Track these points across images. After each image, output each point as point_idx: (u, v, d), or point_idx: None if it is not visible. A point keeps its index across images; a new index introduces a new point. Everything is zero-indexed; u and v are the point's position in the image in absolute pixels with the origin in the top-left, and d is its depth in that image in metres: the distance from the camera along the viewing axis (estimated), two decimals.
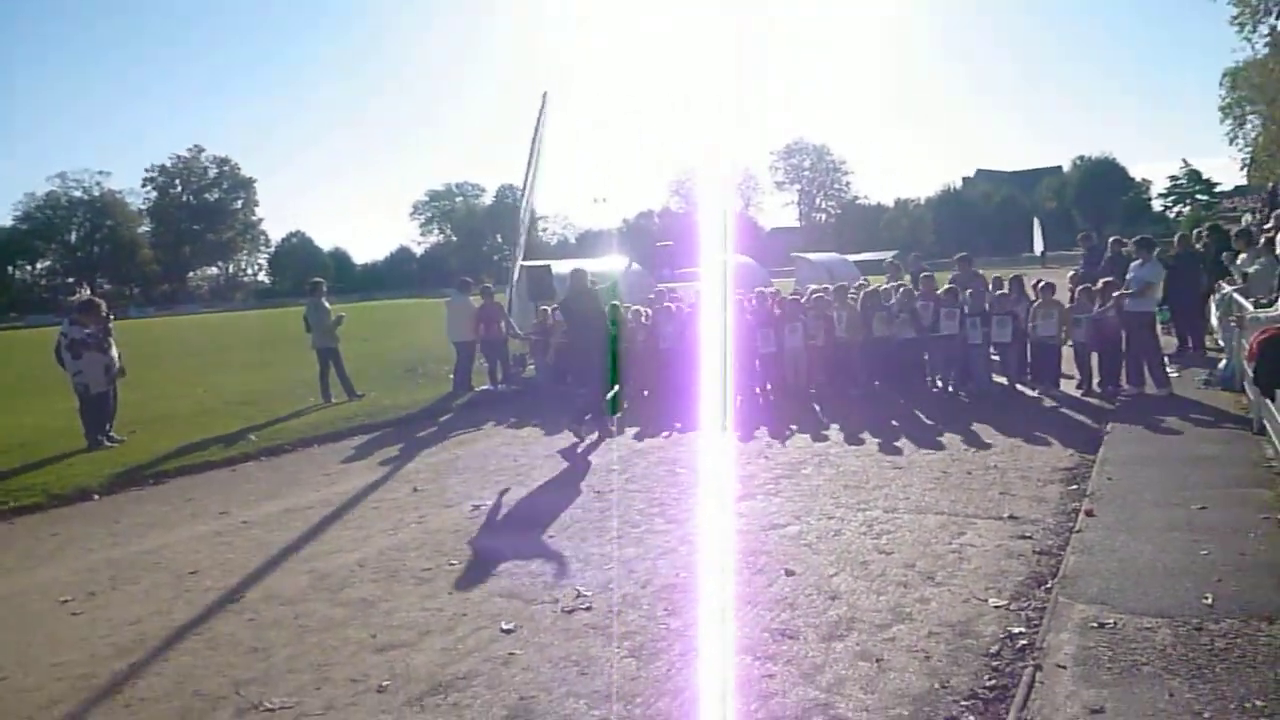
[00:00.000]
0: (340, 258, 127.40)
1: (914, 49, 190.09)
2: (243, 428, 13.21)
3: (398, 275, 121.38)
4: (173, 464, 11.12)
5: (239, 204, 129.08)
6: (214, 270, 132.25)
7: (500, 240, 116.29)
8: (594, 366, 11.75)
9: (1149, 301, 12.51)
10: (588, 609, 5.74)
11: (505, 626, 5.49)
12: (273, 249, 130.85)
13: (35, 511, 9.43)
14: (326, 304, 16.20)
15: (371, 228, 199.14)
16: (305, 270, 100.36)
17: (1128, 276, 12.72)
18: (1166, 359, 12.62)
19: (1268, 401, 7.44)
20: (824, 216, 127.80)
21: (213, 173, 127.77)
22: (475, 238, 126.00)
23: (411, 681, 4.82)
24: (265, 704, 4.67)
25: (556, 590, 6.12)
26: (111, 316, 13.10)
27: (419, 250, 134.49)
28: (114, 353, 12.75)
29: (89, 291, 14.35)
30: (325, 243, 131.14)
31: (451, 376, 16.69)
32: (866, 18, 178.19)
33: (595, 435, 11.42)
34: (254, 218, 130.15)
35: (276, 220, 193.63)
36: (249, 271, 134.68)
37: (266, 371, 21.78)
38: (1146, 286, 12.40)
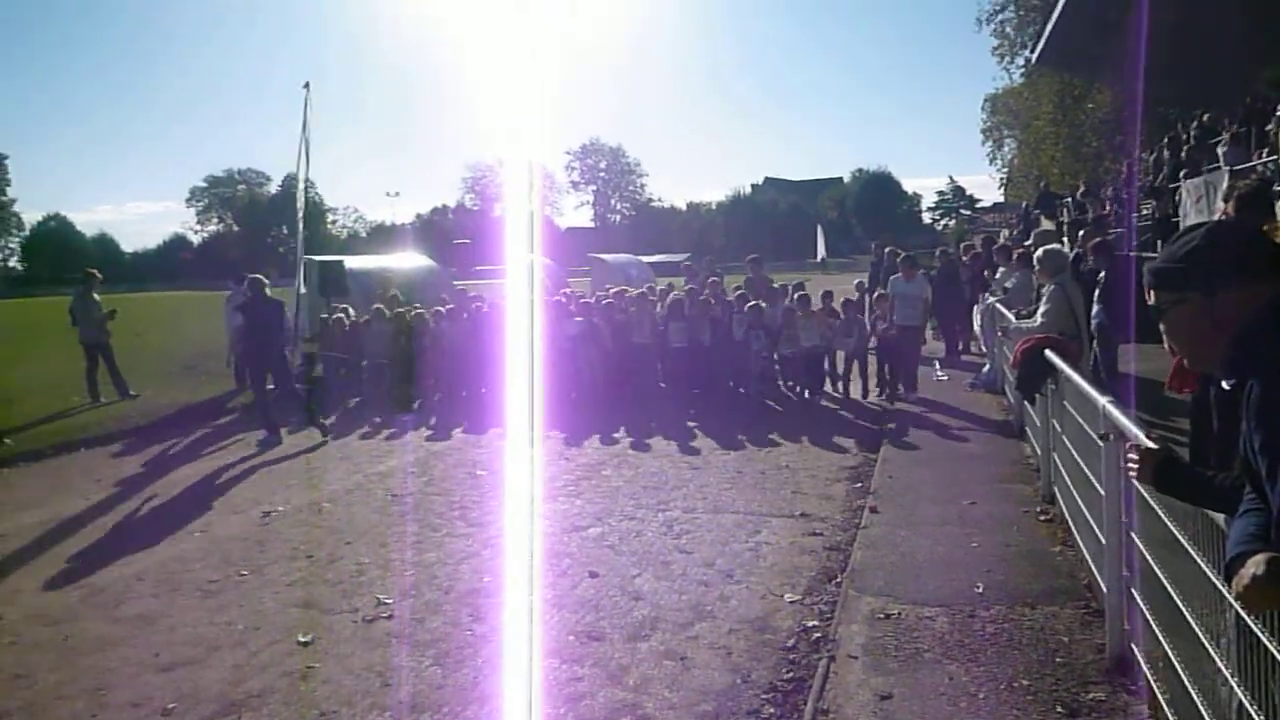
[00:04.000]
0: (106, 244, 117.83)
1: (708, 57, 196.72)
2: None
3: (173, 265, 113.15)
4: None
5: None
6: None
7: (286, 232, 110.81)
8: (263, 373, 12.09)
9: (915, 315, 13.40)
10: (389, 617, 5.59)
11: (302, 639, 5.27)
12: (27, 233, 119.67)
13: None
14: (96, 296, 15.09)
15: (142, 213, 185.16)
16: (64, 257, 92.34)
17: (891, 291, 13.57)
18: (937, 363, 13.57)
19: (1027, 405, 8.13)
20: (619, 217, 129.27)
21: None
22: (259, 228, 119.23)
23: (201, 702, 4.54)
24: None
25: (355, 599, 5.93)
26: None
27: (197, 239, 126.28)
28: None
29: None
30: (88, 227, 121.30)
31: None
32: (663, 22, 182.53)
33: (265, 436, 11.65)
34: (5, 198, 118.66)
35: (31, 202, 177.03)
36: None
37: (23, 367, 19.80)
38: (913, 300, 13.29)
